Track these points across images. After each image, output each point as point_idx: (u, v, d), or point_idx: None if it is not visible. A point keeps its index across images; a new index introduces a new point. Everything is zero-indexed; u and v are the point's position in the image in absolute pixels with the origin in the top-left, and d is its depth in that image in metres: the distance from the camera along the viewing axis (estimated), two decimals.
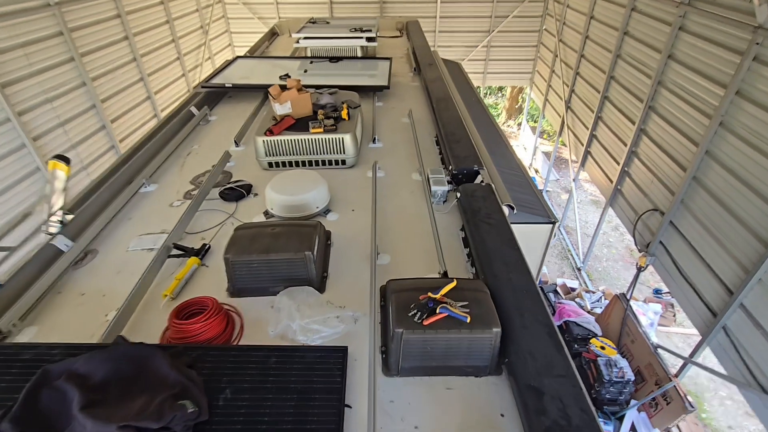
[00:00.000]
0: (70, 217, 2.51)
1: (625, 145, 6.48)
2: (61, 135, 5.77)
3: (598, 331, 6.14)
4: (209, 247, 2.42)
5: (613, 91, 7.10)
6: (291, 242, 2.05)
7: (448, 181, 2.88)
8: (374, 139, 3.58)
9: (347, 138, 3.10)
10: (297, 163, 3.21)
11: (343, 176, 3.16)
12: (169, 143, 3.58)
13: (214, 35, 10.72)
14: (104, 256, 2.45)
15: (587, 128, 7.86)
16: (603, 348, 5.48)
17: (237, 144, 3.59)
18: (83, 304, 2.13)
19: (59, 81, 5.77)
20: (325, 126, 3.10)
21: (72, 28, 6.03)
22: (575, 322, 6.07)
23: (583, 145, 7.96)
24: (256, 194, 2.95)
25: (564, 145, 9.84)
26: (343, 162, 3.21)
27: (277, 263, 2.02)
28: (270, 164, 3.21)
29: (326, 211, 2.72)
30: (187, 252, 2.34)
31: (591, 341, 5.59)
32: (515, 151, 4.25)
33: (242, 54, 5.79)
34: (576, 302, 7.08)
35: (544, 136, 12.70)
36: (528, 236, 3.32)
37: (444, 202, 2.84)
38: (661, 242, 5.72)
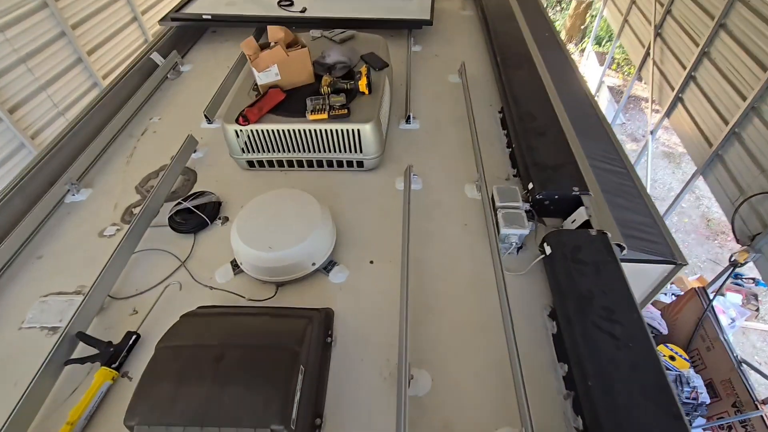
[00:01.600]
0: None
1: (743, 98, 4.83)
2: (25, 74, 4.72)
3: (664, 329, 5.18)
4: (137, 338, 1.50)
5: (736, 17, 5.18)
6: (249, 397, 1.09)
7: (526, 211, 1.76)
8: (408, 117, 2.38)
9: (367, 130, 1.94)
10: (290, 163, 2.12)
11: (357, 186, 2.07)
12: (117, 114, 2.51)
13: None
14: None
15: (683, 66, 6.04)
16: (673, 359, 4.56)
17: (209, 120, 2.48)
18: None
19: (11, 2, 4.56)
20: (331, 108, 1.93)
21: None
22: None
23: (673, 88, 6.21)
24: (226, 218, 1.94)
25: (643, 82, 7.93)
26: (360, 164, 2.09)
27: None
28: (250, 163, 2.13)
29: (329, 264, 1.70)
30: (95, 356, 1.43)
31: (658, 348, 4.66)
32: (604, 116, 2.93)
33: None
34: None
35: (613, 67, 10.45)
36: (634, 275, 2.18)
37: (520, 249, 1.75)
38: None
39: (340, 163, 2.09)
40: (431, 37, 3.21)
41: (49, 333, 1.57)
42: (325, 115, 1.92)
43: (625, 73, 10.37)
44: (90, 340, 1.46)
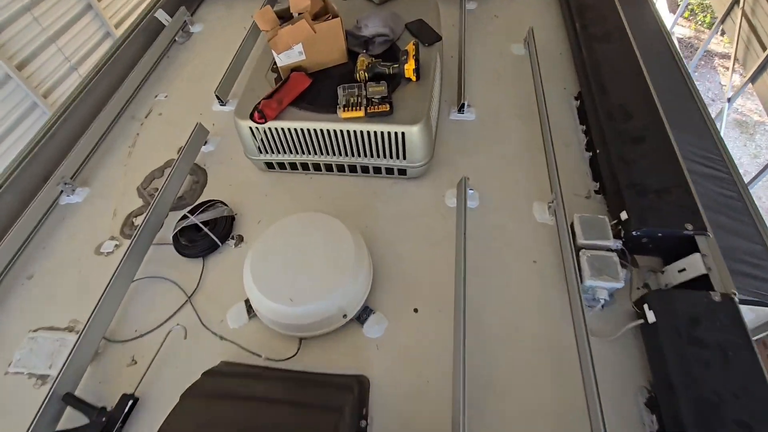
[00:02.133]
0: None
1: None
2: (32, 24, 4.32)
3: None
4: (135, 402, 1.25)
5: None
6: None
7: (618, 255, 1.35)
8: (462, 105, 1.90)
9: (414, 133, 1.51)
10: (316, 167, 1.73)
11: (398, 200, 1.68)
12: (117, 91, 2.14)
13: None
14: None
15: None
16: None
17: (221, 101, 2.08)
18: None
19: None
20: (369, 103, 1.50)
21: None
22: None
23: (765, 47, 5.23)
24: (240, 238, 1.61)
25: (724, 37, 6.75)
26: (402, 172, 1.68)
27: None
28: (269, 164, 1.76)
29: (363, 312, 1.36)
30: (85, 427, 1.19)
31: None
32: (700, 95, 2.34)
33: None
34: None
35: (686, 15, 9.03)
36: None
37: (604, 305, 1.36)
38: None
39: (377, 170, 1.69)
40: None
41: (38, 383, 1.34)
42: (360, 113, 1.49)
43: (698, 23, 8.95)
44: (80, 406, 1.22)
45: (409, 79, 1.59)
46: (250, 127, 1.58)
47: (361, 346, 1.33)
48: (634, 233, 1.38)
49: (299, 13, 1.50)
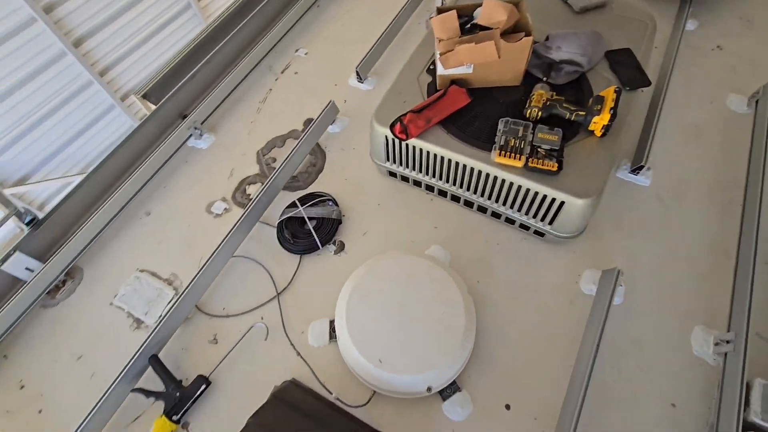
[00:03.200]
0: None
1: None
2: None
3: None
4: (207, 386, 1.26)
5: None
6: None
7: None
8: (639, 167, 1.51)
9: (577, 207, 1.21)
10: (442, 192, 1.52)
11: (522, 262, 1.42)
12: (260, 38, 2.06)
13: None
14: (86, 292, 1.51)
15: None
16: None
17: (360, 78, 1.90)
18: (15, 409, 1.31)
19: None
20: (533, 152, 1.22)
21: None
22: None
23: None
24: (342, 245, 1.50)
25: None
26: (540, 234, 1.41)
27: None
28: (392, 173, 1.59)
29: (448, 388, 1.20)
30: (160, 395, 1.23)
31: None
32: None
33: None
34: None
35: None
36: None
37: None
38: None
39: (511, 220, 1.44)
40: (719, 9, 2.00)
41: (133, 325, 1.42)
42: (519, 162, 1.22)
43: None
44: (161, 372, 1.26)
45: (592, 132, 1.27)
46: (386, 136, 1.40)
47: (435, 423, 1.19)
48: None
49: (491, 27, 1.20)
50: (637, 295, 1.34)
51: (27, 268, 1.46)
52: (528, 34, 1.20)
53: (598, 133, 1.25)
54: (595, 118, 1.22)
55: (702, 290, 1.34)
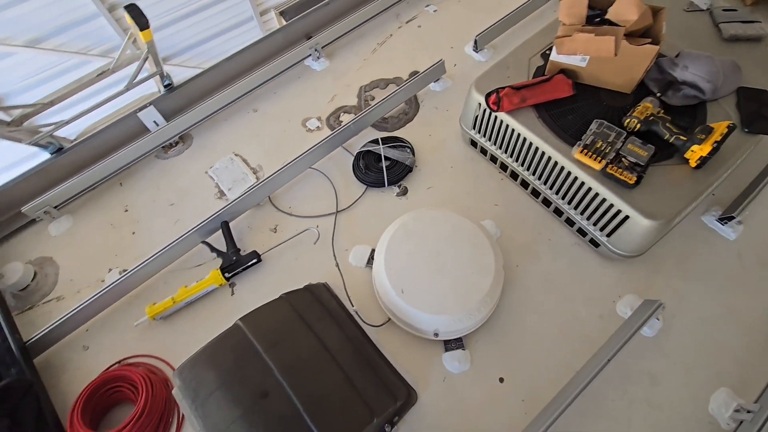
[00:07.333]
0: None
1: None
2: None
3: None
4: (257, 261, 1.48)
5: None
6: None
7: None
8: (729, 217, 1.42)
9: (642, 226, 1.20)
10: (513, 174, 1.56)
11: (567, 262, 1.44)
12: None
13: None
14: (190, 157, 1.80)
15: None
16: None
17: (476, 47, 1.94)
18: (114, 226, 1.64)
19: None
20: (616, 159, 1.21)
21: None
22: None
23: None
24: (405, 189, 1.62)
25: None
26: (595, 244, 1.40)
27: None
28: (473, 142, 1.64)
29: (454, 341, 1.30)
30: (220, 253, 1.48)
31: None
32: None
33: None
34: None
35: None
36: None
37: None
38: None
39: (570, 221, 1.45)
40: None
41: (217, 194, 1.68)
42: (598, 165, 1.23)
43: None
44: (227, 235, 1.50)
45: (687, 161, 1.22)
46: (479, 104, 1.46)
47: (432, 366, 1.31)
48: None
49: (619, 24, 1.19)
50: (671, 335, 1.31)
51: (155, 122, 1.77)
52: (655, 43, 1.17)
53: (693, 164, 1.20)
54: (695, 147, 1.17)
55: (745, 359, 1.27)
